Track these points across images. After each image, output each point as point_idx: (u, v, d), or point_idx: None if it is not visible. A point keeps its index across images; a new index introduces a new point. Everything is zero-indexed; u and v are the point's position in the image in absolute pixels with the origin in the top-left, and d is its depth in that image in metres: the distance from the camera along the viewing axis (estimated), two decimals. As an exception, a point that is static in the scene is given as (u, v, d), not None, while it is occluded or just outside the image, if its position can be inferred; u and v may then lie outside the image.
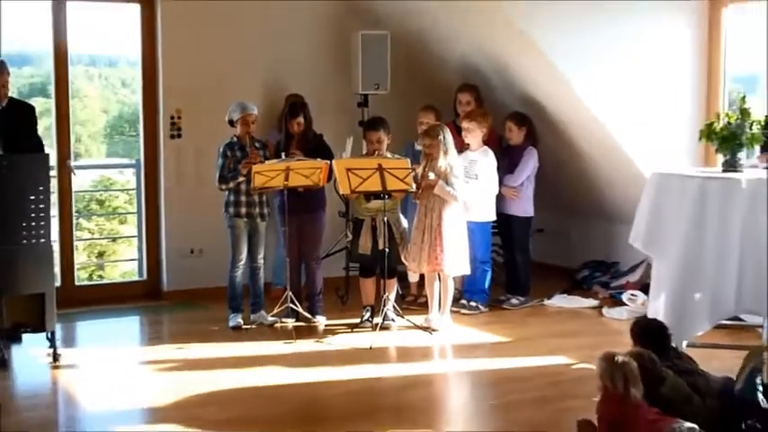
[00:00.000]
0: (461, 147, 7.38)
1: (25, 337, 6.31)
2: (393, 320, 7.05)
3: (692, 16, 7.70)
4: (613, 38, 7.37)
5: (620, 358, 4.85)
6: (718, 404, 4.84)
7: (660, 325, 5.47)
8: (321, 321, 7.13)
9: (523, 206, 7.79)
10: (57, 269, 7.00)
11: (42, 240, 6.01)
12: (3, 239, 5.90)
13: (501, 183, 7.63)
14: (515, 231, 7.88)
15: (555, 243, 8.72)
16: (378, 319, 6.97)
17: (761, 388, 4.92)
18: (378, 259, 6.99)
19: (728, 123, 5.79)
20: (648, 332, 5.37)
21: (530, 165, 7.72)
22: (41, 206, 5.97)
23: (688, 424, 4.51)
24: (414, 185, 6.82)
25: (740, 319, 6.51)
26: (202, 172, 7.60)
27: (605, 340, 5.69)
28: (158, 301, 7.96)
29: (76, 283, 7.98)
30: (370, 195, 6.92)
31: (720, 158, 5.90)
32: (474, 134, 7.45)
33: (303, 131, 7.20)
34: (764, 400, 4.82)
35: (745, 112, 5.76)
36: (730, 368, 5.20)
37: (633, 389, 4.69)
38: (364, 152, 7.11)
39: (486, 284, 7.67)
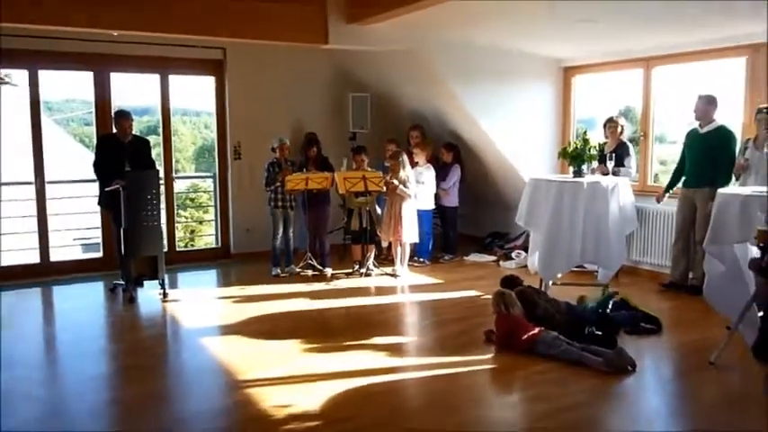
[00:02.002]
0: (413, 164, 7.34)
1: (146, 283, 6.25)
2: (372, 270, 7.04)
3: (555, 81, 7.71)
4: (508, 97, 7.37)
5: (500, 290, 4.91)
6: (566, 318, 4.92)
7: (512, 277, 5.58)
8: (328, 272, 7.08)
9: (452, 200, 7.78)
10: (165, 240, 6.93)
11: (155, 223, 5.98)
12: (132, 223, 5.89)
13: (438, 186, 7.64)
14: (447, 216, 7.88)
15: (471, 221, 8.70)
16: (363, 270, 6.97)
17: (611, 306, 5.03)
18: (363, 233, 7.00)
19: (576, 147, 5.84)
20: (507, 281, 5.49)
21: (455, 175, 7.71)
22: (154, 202, 5.95)
23: (553, 333, 4.58)
24: (384, 188, 6.82)
25: (583, 267, 6.59)
26: (254, 180, 7.53)
27: (501, 281, 5.75)
28: (228, 260, 7.89)
29: (177, 249, 7.89)
30: (357, 194, 6.90)
31: (571, 169, 5.95)
32: (421, 156, 7.43)
33: (316, 155, 7.19)
34: (609, 313, 4.96)
35: (586, 141, 5.81)
36: (577, 296, 5.26)
37: (512, 309, 4.73)
38: (354, 167, 7.08)
39: (429, 247, 7.66)
